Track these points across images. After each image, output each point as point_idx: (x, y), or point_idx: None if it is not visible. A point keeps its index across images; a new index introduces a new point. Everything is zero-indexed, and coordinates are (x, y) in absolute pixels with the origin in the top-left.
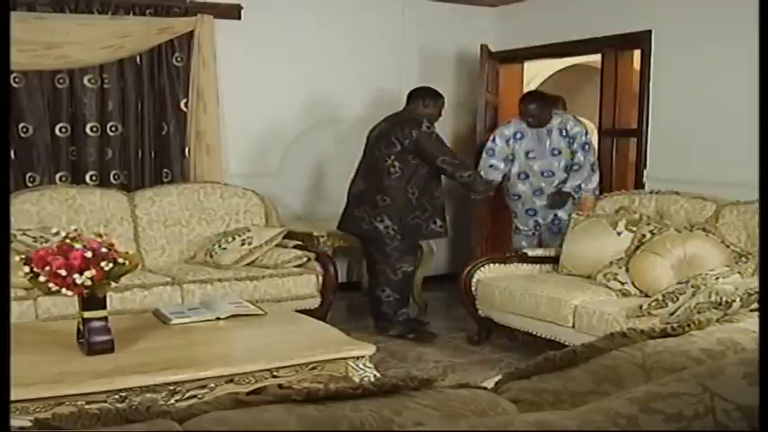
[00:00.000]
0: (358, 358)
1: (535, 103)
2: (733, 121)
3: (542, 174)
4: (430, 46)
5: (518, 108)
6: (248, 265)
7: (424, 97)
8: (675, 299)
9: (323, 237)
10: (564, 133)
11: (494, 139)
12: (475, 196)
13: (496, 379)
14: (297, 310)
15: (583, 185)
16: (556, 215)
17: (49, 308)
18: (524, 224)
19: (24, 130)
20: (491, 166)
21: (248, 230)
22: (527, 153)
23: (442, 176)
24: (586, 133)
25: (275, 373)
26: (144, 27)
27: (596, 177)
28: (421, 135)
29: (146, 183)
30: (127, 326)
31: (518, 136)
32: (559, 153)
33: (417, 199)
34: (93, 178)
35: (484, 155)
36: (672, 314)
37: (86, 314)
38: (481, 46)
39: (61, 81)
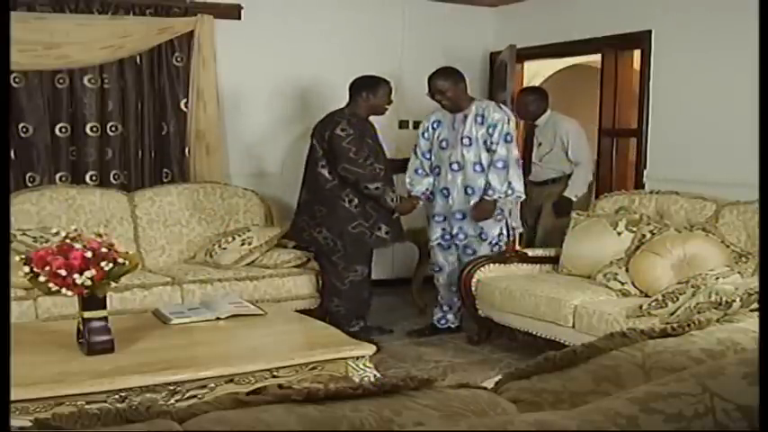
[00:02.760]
0: (358, 358)
1: (440, 78)
2: (733, 121)
3: (451, 167)
4: (430, 46)
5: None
6: (248, 265)
7: (361, 91)
8: (675, 299)
9: None
10: (480, 120)
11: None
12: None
13: (496, 379)
14: (297, 310)
15: (514, 186)
16: (483, 229)
17: (49, 308)
18: (434, 232)
19: (24, 130)
20: (416, 171)
21: (248, 230)
22: (441, 143)
23: (392, 177)
24: (509, 121)
25: (275, 373)
26: (144, 27)
27: (520, 175)
28: (333, 137)
29: (146, 183)
30: (127, 326)
31: (435, 125)
32: (471, 143)
33: (357, 206)
34: (93, 178)
35: (411, 155)
36: (672, 314)
37: (86, 314)
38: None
39: (61, 81)
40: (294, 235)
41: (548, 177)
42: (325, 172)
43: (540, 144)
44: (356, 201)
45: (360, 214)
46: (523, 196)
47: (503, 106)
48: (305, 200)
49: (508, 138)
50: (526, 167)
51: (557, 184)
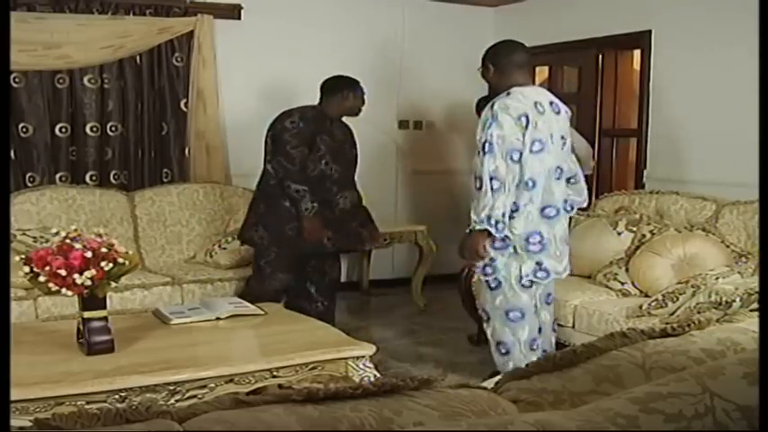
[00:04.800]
0: (358, 358)
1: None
2: (733, 121)
3: None
4: (430, 46)
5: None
6: (248, 265)
7: (340, 90)
8: (675, 299)
9: None
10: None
11: None
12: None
13: (496, 379)
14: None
15: (472, 213)
16: None
17: (49, 308)
18: None
19: (24, 130)
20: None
21: None
22: None
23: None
24: (490, 125)
25: (275, 373)
26: (144, 27)
27: (485, 200)
28: (279, 130)
29: (145, 183)
30: (127, 326)
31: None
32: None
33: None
34: (93, 178)
35: None
36: (672, 314)
37: (86, 314)
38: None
39: (61, 81)
40: (239, 232)
41: None
42: (270, 167)
43: None
44: None
45: (298, 215)
46: (482, 227)
47: (503, 100)
48: (253, 197)
49: (484, 145)
50: None
51: None
